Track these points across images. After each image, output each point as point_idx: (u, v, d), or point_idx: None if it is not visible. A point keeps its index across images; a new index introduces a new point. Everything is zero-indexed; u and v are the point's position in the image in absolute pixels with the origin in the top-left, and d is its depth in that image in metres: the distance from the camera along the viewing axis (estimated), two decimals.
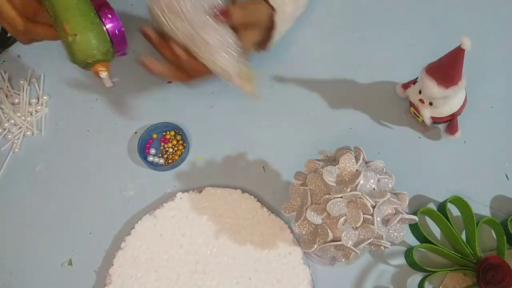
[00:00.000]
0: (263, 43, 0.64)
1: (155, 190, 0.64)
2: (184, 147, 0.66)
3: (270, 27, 0.62)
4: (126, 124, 0.68)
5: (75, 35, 0.48)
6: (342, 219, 0.46)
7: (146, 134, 0.66)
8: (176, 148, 0.66)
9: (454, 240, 0.58)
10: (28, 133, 0.68)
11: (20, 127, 0.69)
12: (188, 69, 0.58)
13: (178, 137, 0.67)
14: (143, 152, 0.66)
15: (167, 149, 0.66)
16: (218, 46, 0.55)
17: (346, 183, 0.46)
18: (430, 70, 0.56)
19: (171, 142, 0.67)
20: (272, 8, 0.60)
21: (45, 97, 0.71)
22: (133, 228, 0.61)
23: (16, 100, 0.70)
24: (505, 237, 0.58)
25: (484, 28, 0.72)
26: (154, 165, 0.65)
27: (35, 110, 0.70)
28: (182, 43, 0.56)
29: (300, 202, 0.50)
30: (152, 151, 0.66)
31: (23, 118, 0.69)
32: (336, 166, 0.47)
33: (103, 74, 0.51)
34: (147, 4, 0.57)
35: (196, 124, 0.68)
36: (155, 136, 0.67)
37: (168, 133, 0.67)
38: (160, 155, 0.66)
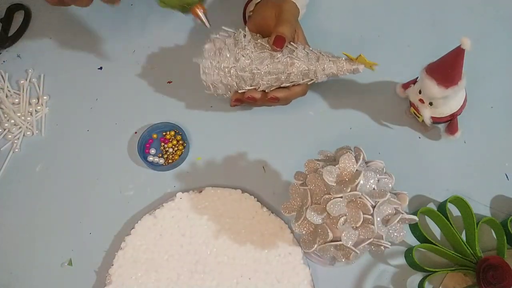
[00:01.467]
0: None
1: (155, 190, 0.64)
2: (184, 147, 0.66)
3: None
4: (126, 124, 0.68)
5: None
6: (342, 219, 0.46)
7: (146, 134, 0.66)
8: (176, 148, 0.66)
9: (454, 240, 0.58)
10: (28, 133, 0.68)
11: (20, 127, 0.69)
12: (292, 98, 0.62)
13: (178, 137, 0.67)
14: (143, 152, 0.66)
15: (167, 149, 0.66)
16: (307, 64, 0.58)
17: (346, 183, 0.46)
18: (430, 70, 0.56)
19: (171, 142, 0.67)
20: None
21: (45, 97, 0.71)
22: (133, 228, 0.61)
23: (16, 100, 0.70)
24: (505, 237, 0.58)
25: (484, 28, 0.72)
26: (154, 165, 0.65)
27: (35, 110, 0.70)
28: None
29: (300, 202, 0.50)
30: (152, 151, 0.66)
31: (23, 118, 0.69)
32: (336, 166, 0.47)
33: (202, 15, 0.55)
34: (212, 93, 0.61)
35: (196, 124, 0.68)
36: (155, 136, 0.67)
37: (168, 133, 0.67)
38: (160, 155, 0.66)
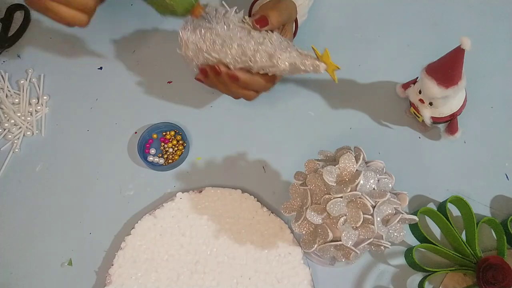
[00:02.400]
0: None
1: (155, 190, 0.64)
2: (184, 147, 0.66)
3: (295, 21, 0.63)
4: (126, 124, 0.68)
5: None
6: (342, 219, 0.46)
7: (146, 134, 0.66)
8: (176, 148, 0.66)
9: (454, 240, 0.58)
10: (28, 133, 0.68)
11: (20, 127, 0.69)
12: (252, 86, 0.59)
13: (178, 137, 0.67)
14: (143, 152, 0.66)
15: (167, 149, 0.66)
16: (276, 47, 0.55)
17: (346, 183, 0.46)
18: (430, 70, 0.56)
19: (171, 142, 0.67)
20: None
21: (45, 97, 0.71)
22: (133, 228, 0.61)
23: (16, 100, 0.70)
24: (505, 237, 0.58)
25: (484, 28, 0.72)
26: (154, 165, 0.65)
27: (35, 110, 0.70)
28: (236, 67, 0.57)
29: (300, 202, 0.50)
30: (152, 151, 0.66)
31: (23, 118, 0.69)
32: (336, 166, 0.47)
33: (202, 12, 0.56)
34: (182, 54, 0.58)
35: (196, 124, 0.68)
36: (155, 136, 0.67)
37: (168, 133, 0.67)
38: (160, 155, 0.66)
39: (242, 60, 0.56)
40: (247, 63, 0.57)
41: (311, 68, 0.55)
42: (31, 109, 0.70)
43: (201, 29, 0.57)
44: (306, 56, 0.55)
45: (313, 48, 0.54)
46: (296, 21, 0.63)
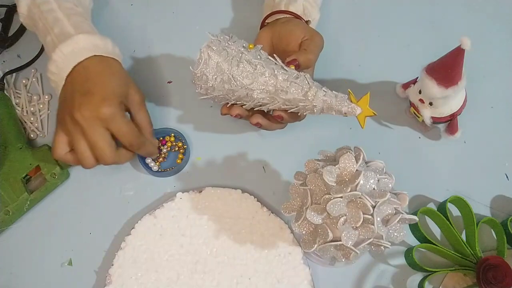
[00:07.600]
0: None
1: (155, 190, 0.64)
2: (184, 155, 0.65)
3: None
4: None
5: None
6: (342, 219, 0.46)
7: None
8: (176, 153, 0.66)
9: (454, 240, 0.58)
10: (31, 135, 0.68)
11: (24, 128, 0.69)
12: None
13: (180, 144, 0.66)
14: (143, 158, 0.65)
15: (166, 154, 0.65)
16: (312, 85, 0.55)
17: (346, 183, 0.46)
18: (430, 70, 0.56)
19: (172, 150, 0.66)
20: (308, 22, 0.64)
21: (46, 97, 0.70)
22: (133, 228, 0.61)
23: (17, 101, 0.70)
24: (505, 237, 0.58)
25: (484, 28, 0.72)
26: (154, 172, 0.64)
27: (38, 110, 0.70)
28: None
29: (300, 202, 0.51)
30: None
31: (26, 118, 0.69)
32: (336, 166, 0.47)
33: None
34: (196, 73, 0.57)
35: (196, 124, 0.68)
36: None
37: (168, 139, 0.66)
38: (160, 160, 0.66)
39: (273, 91, 0.54)
40: (277, 96, 0.54)
41: (347, 111, 0.53)
42: (32, 109, 0.70)
43: (229, 51, 0.55)
44: (342, 98, 0.53)
45: (349, 92, 0.53)
46: None
